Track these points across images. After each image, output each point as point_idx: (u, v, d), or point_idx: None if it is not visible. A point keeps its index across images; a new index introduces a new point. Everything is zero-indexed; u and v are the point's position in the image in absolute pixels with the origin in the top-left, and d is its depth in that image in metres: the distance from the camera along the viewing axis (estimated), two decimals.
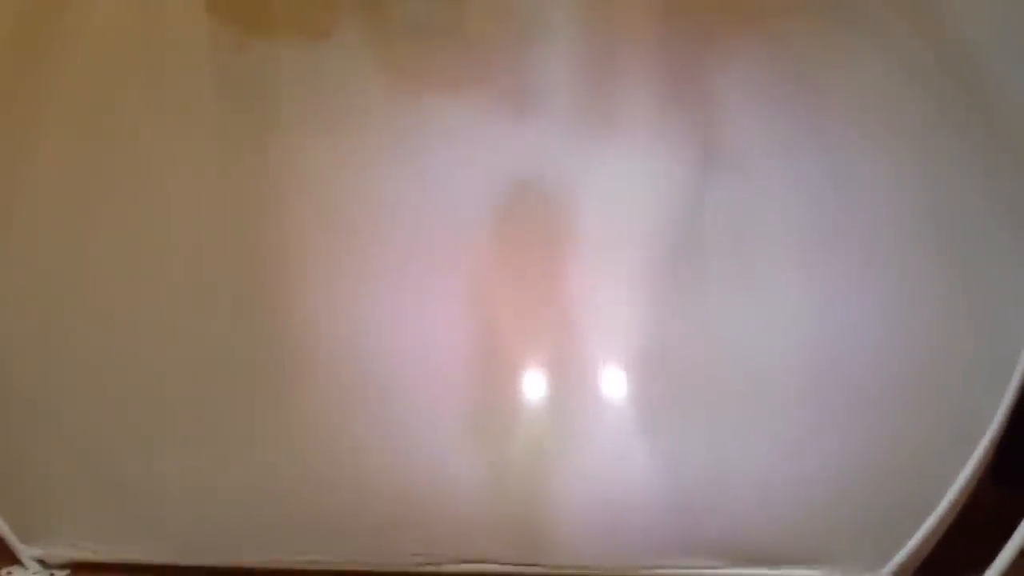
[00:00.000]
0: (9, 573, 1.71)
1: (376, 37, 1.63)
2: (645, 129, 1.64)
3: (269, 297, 1.67)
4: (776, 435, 1.63)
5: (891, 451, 1.61)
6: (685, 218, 1.64)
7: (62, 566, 1.73)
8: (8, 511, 1.71)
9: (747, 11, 1.62)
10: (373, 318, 1.66)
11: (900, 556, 1.62)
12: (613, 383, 1.67)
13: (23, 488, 1.70)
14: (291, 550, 1.69)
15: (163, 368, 1.68)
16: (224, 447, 1.68)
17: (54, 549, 1.72)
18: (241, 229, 1.67)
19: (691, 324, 1.64)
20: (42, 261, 1.68)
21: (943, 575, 1.68)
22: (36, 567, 1.71)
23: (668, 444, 1.64)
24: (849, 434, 1.62)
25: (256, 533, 1.69)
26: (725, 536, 1.65)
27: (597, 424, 1.66)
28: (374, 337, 1.66)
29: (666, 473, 1.64)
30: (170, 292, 1.67)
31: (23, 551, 1.71)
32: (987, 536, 1.46)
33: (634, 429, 1.66)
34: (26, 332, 1.69)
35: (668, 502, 1.64)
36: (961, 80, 1.58)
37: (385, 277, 1.66)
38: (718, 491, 1.63)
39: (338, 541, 1.69)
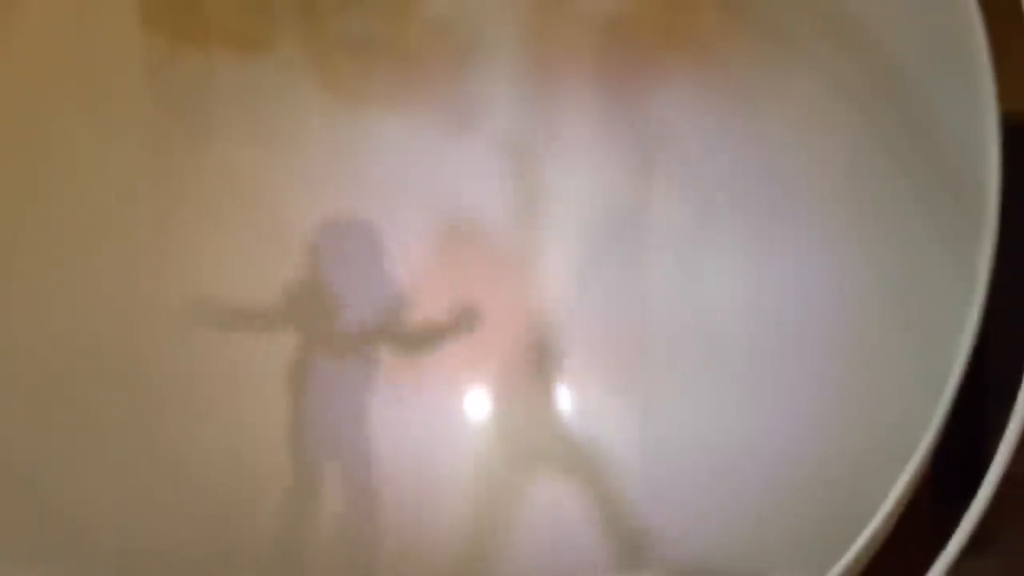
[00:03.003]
0: None
1: (314, 49, 1.63)
2: (586, 145, 1.66)
3: (201, 311, 1.64)
4: (712, 449, 1.63)
5: (825, 464, 1.61)
6: (629, 234, 1.66)
7: None
8: None
9: (685, 32, 1.66)
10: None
11: (839, 567, 1.62)
12: (558, 396, 1.67)
13: None
14: (229, 572, 1.65)
15: (92, 382, 1.63)
16: (157, 465, 1.63)
17: None
18: (175, 243, 1.65)
19: (624, 347, 1.66)
20: None
21: None
22: None
23: (603, 458, 1.64)
24: (784, 447, 1.62)
25: (192, 554, 1.64)
26: (661, 551, 1.64)
27: (542, 439, 1.67)
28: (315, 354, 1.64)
29: (603, 488, 1.64)
30: (100, 304, 1.63)
31: None
32: (924, 546, 1.47)
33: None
34: None
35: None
36: (891, 100, 1.61)
37: (319, 287, 1.65)
38: (655, 506, 1.63)
39: (278, 565, 1.65)
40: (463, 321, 1.65)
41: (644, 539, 1.64)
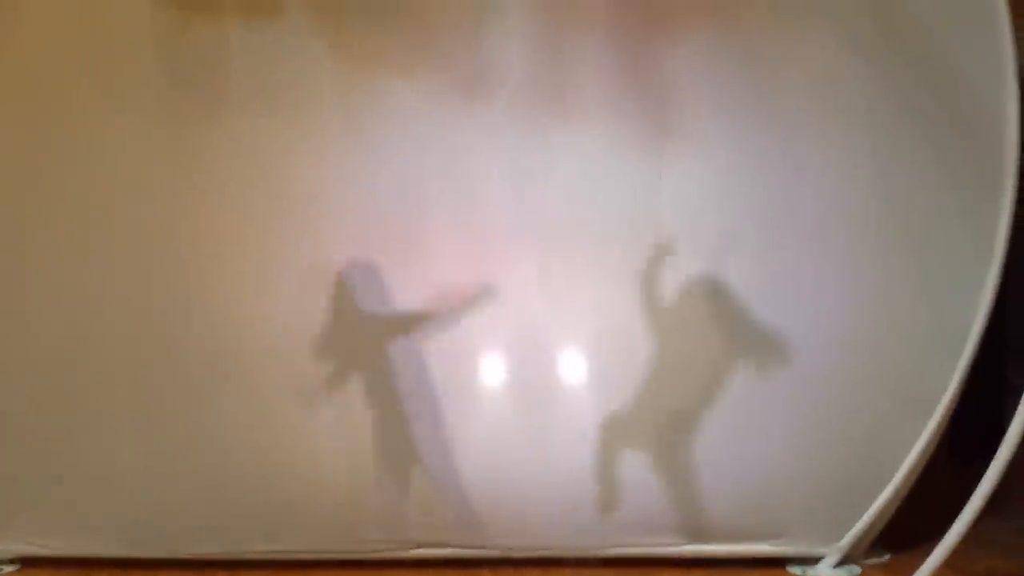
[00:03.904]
0: None
1: (327, 18, 1.61)
2: (599, 111, 1.64)
3: (218, 282, 1.64)
4: (732, 413, 1.63)
5: (846, 428, 1.63)
6: (642, 199, 1.64)
7: (10, 561, 1.69)
8: None
9: None
10: (325, 303, 1.63)
11: (856, 529, 1.64)
12: (571, 367, 1.67)
13: None
14: (246, 540, 1.67)
15: (112, 358, 1.64)
16: (176, 439, 1.65)
17: (2, 544, 1.69)
18: (189, 212, 1.64)
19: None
20: None
21: (900, 546, 1.71)
22: None
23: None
24: (804, 412, 1.63)
25: (210, 524, 1.66)
26: (685, 514, 1.65)
27: (555, 408, 1.66)
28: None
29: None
30: (118, 280, 1.63)
31: None
32: (943, 508, 1.48)
33: (592, 413, 1.66)
34: None
35: (628, 483, 1.64)
36: (909, 59, 1.60)
37: (335, 261, 1.64)
38: (675, 469, 1.63)
39: (294, 530, 1.67)
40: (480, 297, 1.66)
41: (671, 501, 1.63)
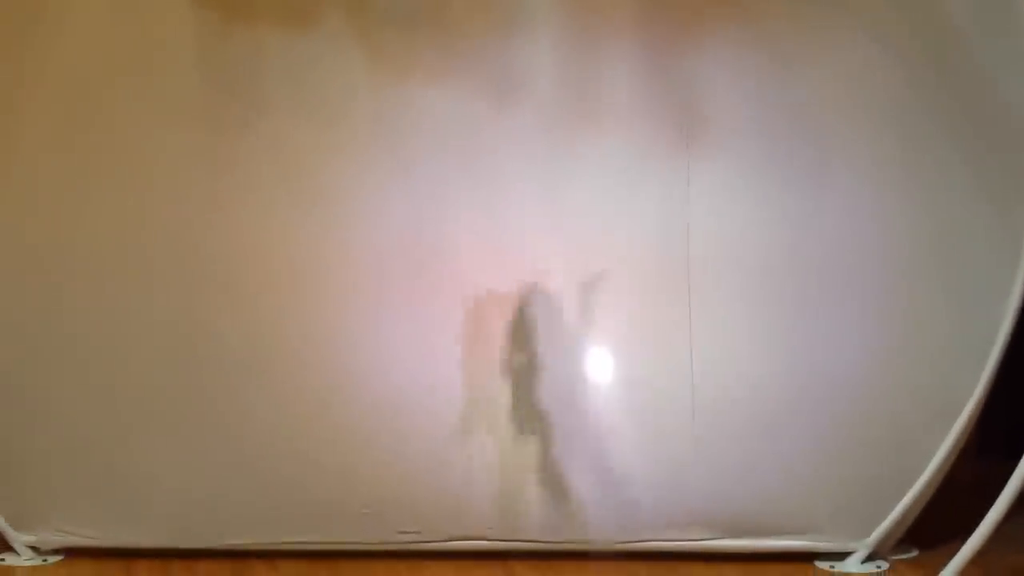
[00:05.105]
0: (2, 560, 1.71)
1: (360, 26, 1.65)
2: (627, 116, 1.66)
3: (253, 283, 1.68)
4: (763, 413, 1.64)
5: (874, 427, 1.64)
6: (670, 203, 1.66)
7: (55, 552, 1.73)
8: (0, 499, 1.71)
9: None
10: (359, 304, 1.67)
11: (884, 525, 1.65)
12: (602, 366, 1.69)
13: (15, 476, 1.71)
14: (281, 531, 1.71)
15: (151, 356, 1.69)
16: (213, 432, 1.69)
17: (47, 536, 1.73)
18: (225, 217, 1.68)
19: (674, 309, 1.66)
20: (30, 253, 1.70)
21: (928, 542, 1.71)
22: (29, 554, 1.72)
23: (655, 421, 1.66)
24: (834, 411, 1.64)
25: (246, 516, 1.70)
26: (713, 508, 1.66)
27: (586, 404, 1.68)
28: (360, 322, 1.68)
29: (654, 449, 1.66)
30: (156, 280, 1.68)
31: (15, 538, 1.72)
32: (971, 504, 1.48)
33: (622, 407, 1.68)
34: (16, 325, 1.70)
35: (656, 477, 1.66)
36: (936, 56, 1.61)
37: (369, 263, 1.67)
38: (706, 465, 1.65)
39: (327, 521, 1.70)
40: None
41: (699, 496, 1.64)
